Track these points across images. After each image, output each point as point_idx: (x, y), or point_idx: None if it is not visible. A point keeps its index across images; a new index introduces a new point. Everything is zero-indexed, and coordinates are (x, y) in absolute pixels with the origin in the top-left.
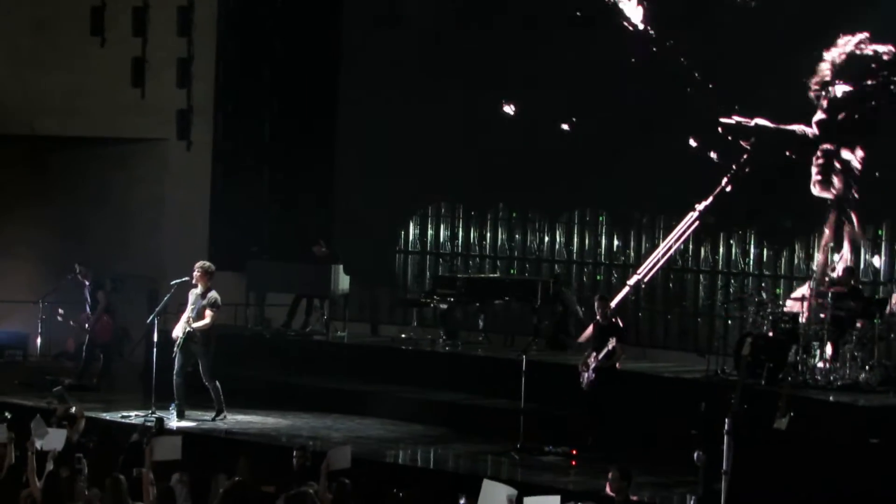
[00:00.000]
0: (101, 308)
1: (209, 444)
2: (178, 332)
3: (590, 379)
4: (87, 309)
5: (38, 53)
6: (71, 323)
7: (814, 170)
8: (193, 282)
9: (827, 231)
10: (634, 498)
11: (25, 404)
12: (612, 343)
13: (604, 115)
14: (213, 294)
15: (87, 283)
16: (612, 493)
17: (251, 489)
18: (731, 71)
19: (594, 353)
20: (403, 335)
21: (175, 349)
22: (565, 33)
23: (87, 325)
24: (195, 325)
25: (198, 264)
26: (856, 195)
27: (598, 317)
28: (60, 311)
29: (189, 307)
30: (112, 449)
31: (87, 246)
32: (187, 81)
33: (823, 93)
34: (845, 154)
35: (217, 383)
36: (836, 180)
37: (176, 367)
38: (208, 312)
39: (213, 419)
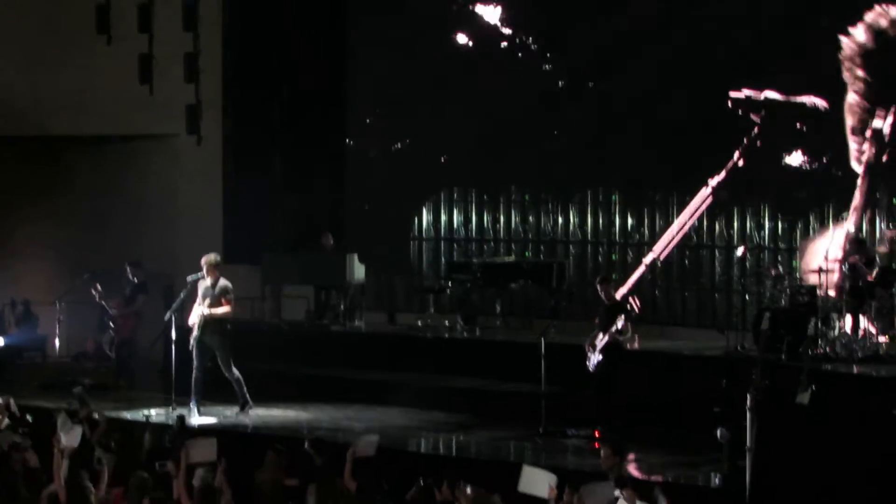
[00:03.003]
0: (134, 309)
1: (233, 439)
2: (192, 319)
3: (597, 360)
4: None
5: (45, 53)
6: (101, 302)
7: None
8: (203, 275)
9: (858, 197)
10: (630, 474)
11: (46, 406)
12: (620, 322)
13: (611, 90)
14: (223, 282)
15: (134, 280)
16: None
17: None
18: (741, 43)
19: (600, 334)
20: (421, 322)
21: (192, 342)
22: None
23: (111, 311)
24: (214, 311)
25: (204, 258)
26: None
27: (603, 298)
28: (98, 287)
29: (199, 299)
30: (134, 447)
31: (101, 244)
32: (195, 76)
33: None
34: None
35: (238, 375)
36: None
37: (195, 362)
38: (224, 301)
39: (239, 413)
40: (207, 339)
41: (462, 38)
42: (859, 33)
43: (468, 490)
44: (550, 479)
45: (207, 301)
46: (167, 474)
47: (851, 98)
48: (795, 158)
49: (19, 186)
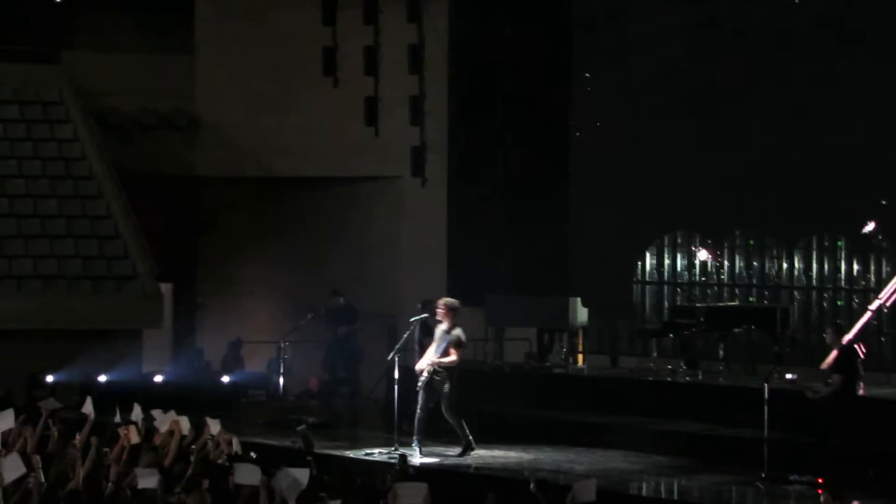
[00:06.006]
0: None
1: (453, 480)
2: (421, 365)
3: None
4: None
5: (272, 96)
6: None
7: None
8: (438, 318)
9: None
10: None
11: (271, 444)
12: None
13: (838, 134)
14: (458, 331)
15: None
16: None
17: None
18: None
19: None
20: (643, 366)
21: (418, 385)
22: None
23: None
24: (441, 360)
25: (441, 301)
26: None
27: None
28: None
29: (435, 343)
30: (357, 486)
31: (324, 284)
32: (420, 118)
33: None
34: None
35: (461, 419)
36: None
37: (420, 402)
38: (453, 350)
39: (461, 454)
40: (436, 383)
41: (688, 86)
42: None
43: None
44: None
45: (439, 347)
46: None
47: None
48: None
49: (244, 227)
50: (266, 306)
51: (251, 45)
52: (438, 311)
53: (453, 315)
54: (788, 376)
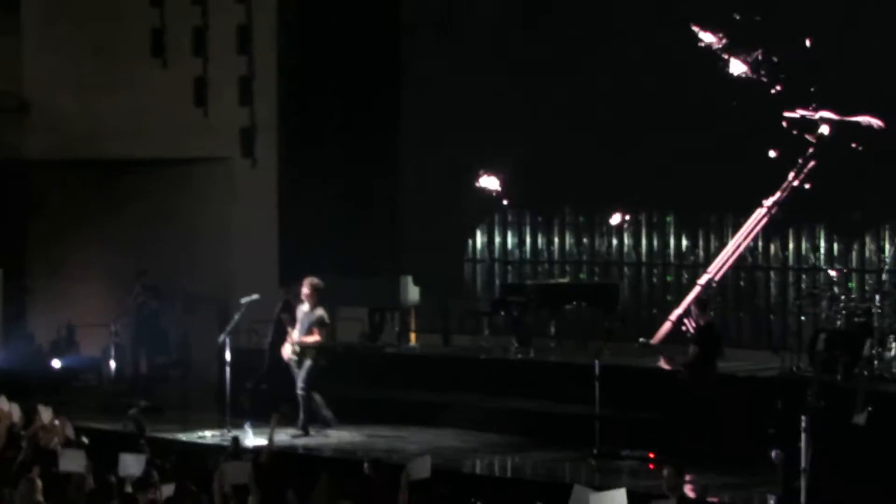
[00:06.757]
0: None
1: (287, 461)
2: (287, 351)
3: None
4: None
5: (100, 77)
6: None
7: None
8: (302, 298)
9: None
10: (691, 495)
11: (102, 428)
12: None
13: (667, 114)
14: (320, 311)
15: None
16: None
17: None
18: (797, 64)
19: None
20: (475, 344)
21: (293, 366)
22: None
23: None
24: (304, 339)
25: (307, 281)
26: None
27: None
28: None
29: (298, 324)
30: (190, 469)
31: (155, 267)
32: (249, 99)
33: None
34: None
35: (311, 400)
36: None
37: (299, 383)
38: (316, 330)
39: (294, 435)
40: (299, 362)
41: (519, 56)
42: None
43: None
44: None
45: (302, 328)
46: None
47: None
48: (850, 178)
49: (75, 210)
50: (97, 290)
51: (79, 27)
52: (303, 291)
53: (317, 295)
54: (642, 340)
